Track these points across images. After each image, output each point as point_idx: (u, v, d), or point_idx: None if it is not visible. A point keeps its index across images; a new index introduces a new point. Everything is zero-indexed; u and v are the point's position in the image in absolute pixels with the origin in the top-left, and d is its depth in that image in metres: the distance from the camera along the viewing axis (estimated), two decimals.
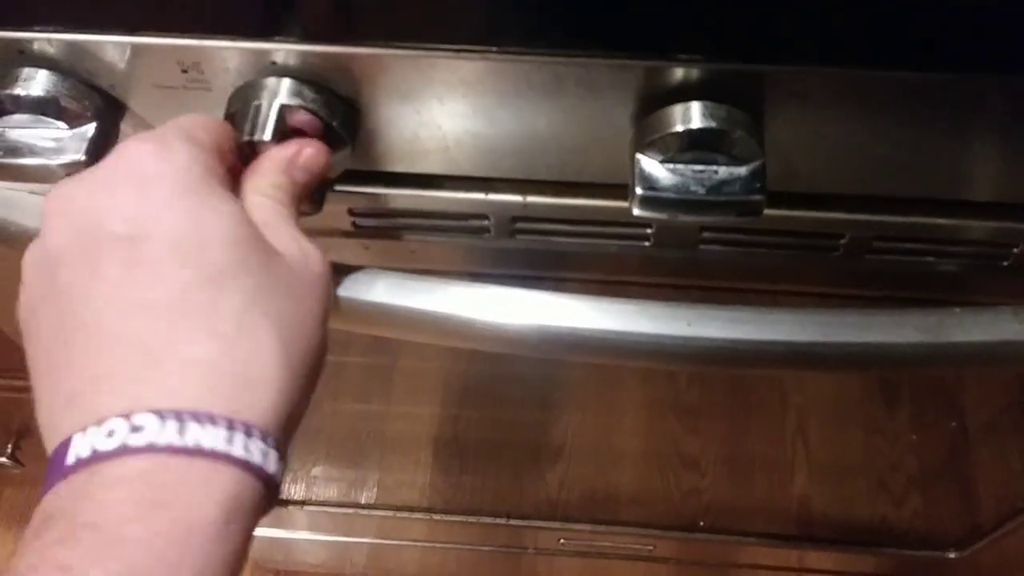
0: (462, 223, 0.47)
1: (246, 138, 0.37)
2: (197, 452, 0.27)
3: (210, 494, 0.27)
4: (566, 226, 0.47)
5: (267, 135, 0.37)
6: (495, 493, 1.01)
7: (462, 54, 0.37)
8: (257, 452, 0.28)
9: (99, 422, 0.27)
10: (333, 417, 0.91)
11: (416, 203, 0.46)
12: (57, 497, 0.27)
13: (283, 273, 0.32)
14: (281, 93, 0.38)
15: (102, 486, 0.27)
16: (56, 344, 0.30)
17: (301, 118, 0.38)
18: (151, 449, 0.27)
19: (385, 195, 0.46)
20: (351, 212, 0.48)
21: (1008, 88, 0.36)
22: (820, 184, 0.43)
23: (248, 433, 0.28)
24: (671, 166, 0.38)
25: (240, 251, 0.31)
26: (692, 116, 0.38)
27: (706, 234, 0.46)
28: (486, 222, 0.47)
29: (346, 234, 0.49)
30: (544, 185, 0.45)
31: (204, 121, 0.35)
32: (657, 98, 0.38)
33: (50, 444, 0.28)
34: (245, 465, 0.28)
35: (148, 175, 0.31)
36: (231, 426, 0.28)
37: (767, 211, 0.45)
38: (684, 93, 0.38)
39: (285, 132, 0.38)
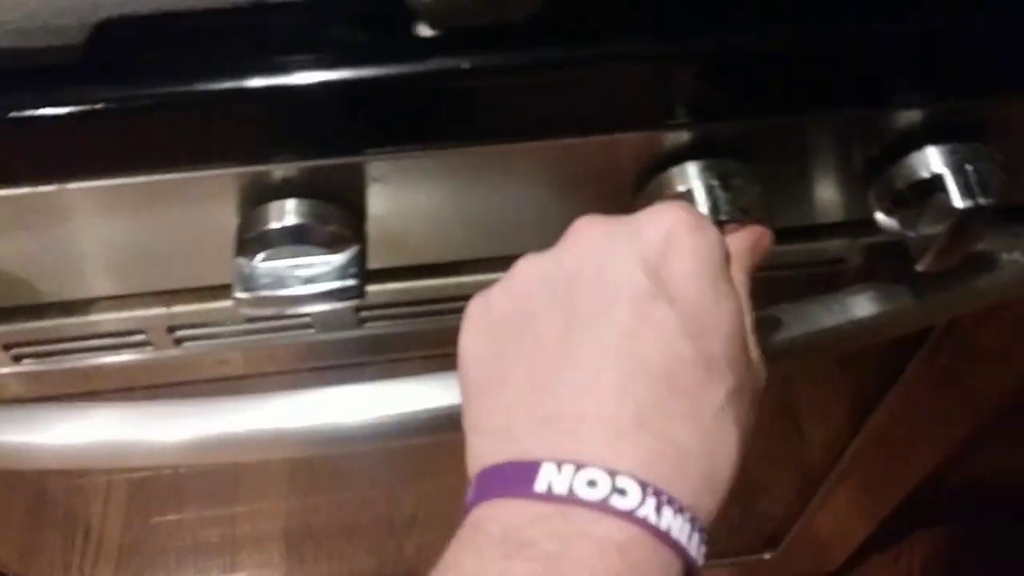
0: (122, 340, 0.47)
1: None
2: (666, 538, 0.26)
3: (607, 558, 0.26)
4: (224, 327, 0.47)
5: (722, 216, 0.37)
6: (356, 573, 1.00)
7: None
8: (701, 556, 0.27)
9: (579, 465, 0.27)
10: (179, 528, 0.88)
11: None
12: (520, 518, 0.27)
13: (752, 381, 0.31)
14: (679, 182, 0.39)
15: (577, 535, 0.26)
16: (538, 360, 0.30)
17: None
18: (630, 519, 0.26)
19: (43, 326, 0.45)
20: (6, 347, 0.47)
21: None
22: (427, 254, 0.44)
23: (701, 531, 0.27)
24: (270, 264, 0.39)
25: (734, 348, 0.30)
26: (285, 213, 0.39)
27: (363, 313, 0.47)
28: (143, 336, 0.47)
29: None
30: (189, 293, 0.45)
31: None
32: (253, 200, 0.39)
33: (493, 446, 0.28)
34: (691, 565, 0.27)
35: (684, 247, 0.30)
36: (693, 522, 0.27)
37: (417, 283, 0.46)
38: (279, 192, 0.39)
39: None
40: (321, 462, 0.81)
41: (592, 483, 0.27)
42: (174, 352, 0.48)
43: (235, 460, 0.49)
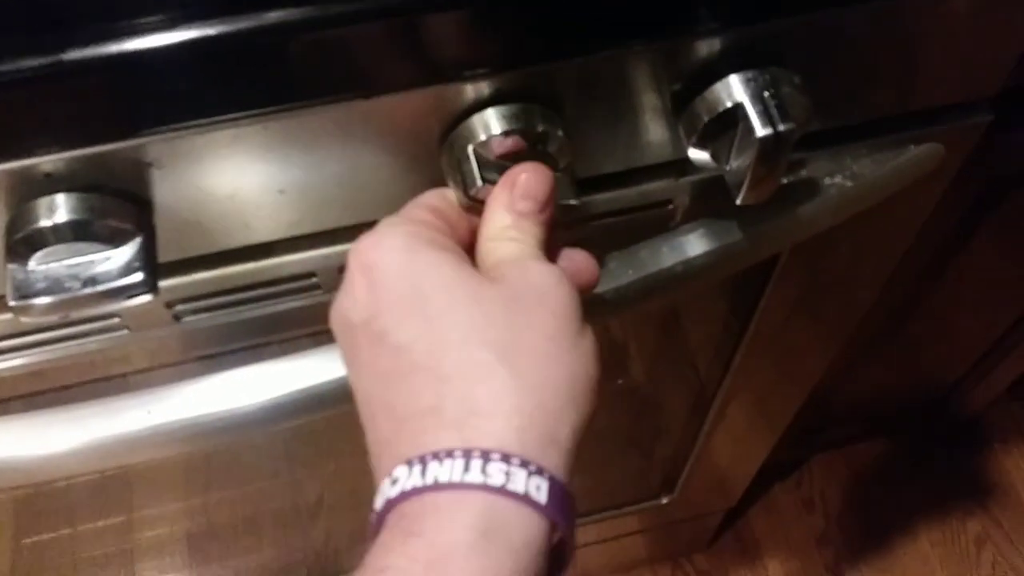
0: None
1: (466, 198, 0.37)
2: (438, 487, 0.28)
3: (457, 517, 0.28)
4: (25, 338, 0.44)
5: (478, 183, 0.36)
6: (264, 566, 0.98)
7: None
8: (498, 474, 0.28)
9: (378, 488, 0.30)
10: (73, 542, 0.85)
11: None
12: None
13: (499, 301, 0.32)
14: (482, 132, 0.37)
15: (434, 511, 0.29)
16: (364, 428, 0.33)
17: (502, 147, 0.37)
18: (402, 496, 0.29)
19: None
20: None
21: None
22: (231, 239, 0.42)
23: (486, 458, 0.29)
24: (44, 266, 0.36)
25: (452, 293, 0.32)
26: (55, 210, 0.36)
27: (178, 308, 0.44)
28: None
29: None
30: None
31: (425, 199, 0.37)
32: (19, 197, 0.36)
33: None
34: (486, 488, 0.28)
35: (370, 264, 0.33)
36: (467, 455, 0.29)
37: (227, 270, 0.44)
38: (48, 187, 0.36)
39: (500, 170, 0.36)
40: (217, 457, 0.79)
41: (394, 482, 0.29)
42: None
43: (121, 464, 0.46)
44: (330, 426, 0.77)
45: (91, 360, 0.47)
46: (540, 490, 0.29)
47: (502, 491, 0.28)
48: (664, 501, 0.97)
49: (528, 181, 0.36)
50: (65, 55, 0.31)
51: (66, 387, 0.49)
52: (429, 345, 0.31)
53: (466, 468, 0.28)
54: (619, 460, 0.92)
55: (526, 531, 0.28)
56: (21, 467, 0.43)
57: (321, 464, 0.84)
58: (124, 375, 0.51)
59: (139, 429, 0.41)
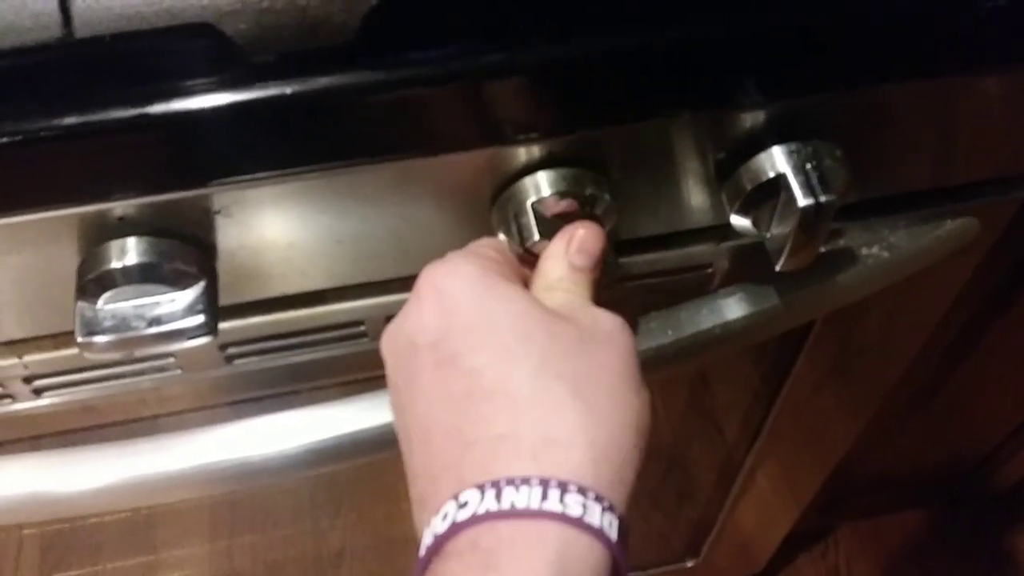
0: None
1: (522, 249, 0.38)
2: (515, 514, 0.28)
3: (535, 551, 0.27)
4: (83, 374, 0.45)
5: (535, 237, 0.38)
6: None
7: None
8: (576, 505, 0.28)
9: (436, 511, 0.29)
10: None
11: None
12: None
13: (571, 338, 0.32)
14: (532, 192, 0.38)
15: (439, 561, 0.28)
16: (408, 453, 0.33)
17: (558, 207, 0.38)
18: (474, 519, 0.28)
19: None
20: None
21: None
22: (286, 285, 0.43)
23: (564, 489, 0.28)
24: (113, 306, 0.38)
25: (526, 326, 0.32)
26: (125, 253, 0.38)
27: (231, 350, 0.46)
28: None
29: None
30: (41, 341, 0.43)
31: (488, 241, 0.38)
32: (93, 240, 0.38)
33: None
34: (564, 519, 0.28)
35: (443, 288, 0.34)
36: (545, 484, 0.28)
37: (281, 315, 0.45)
38: (119, 230, 0.38)
39: (555, 226, 0.38)
40: (242, 502, 0.79)
41: (445, 516, 0.29)
42: (37, 403, 0.46)
43: (149, 503, 0.48)
44: (354, 476, 0.78)
45: (143, 398, 0.48)
46: (612, 527, 0.28)
47: (579, 523, 0.28)
48: (689, 565, 0.96)
49: (585, 237, 0.37)
50: (150, 108, 0.33)
51: (99, 426, 0.51)
52: (503, 372, 0.31)
53: (544, 496, 0.28)
54: (645, 521, 0.92)
55: (597, 568, 0.28)
56: (63, 500, 0.44)
57: (344, 513, 0.85)
58: (155, 417, 0.53)
59: (180, 469, 0.42)
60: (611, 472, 0.30)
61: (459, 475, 0.30)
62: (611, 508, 0.29)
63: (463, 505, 0.28)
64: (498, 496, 0.28)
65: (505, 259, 0.37)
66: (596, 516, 0.28)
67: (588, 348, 0.32)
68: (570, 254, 0.37)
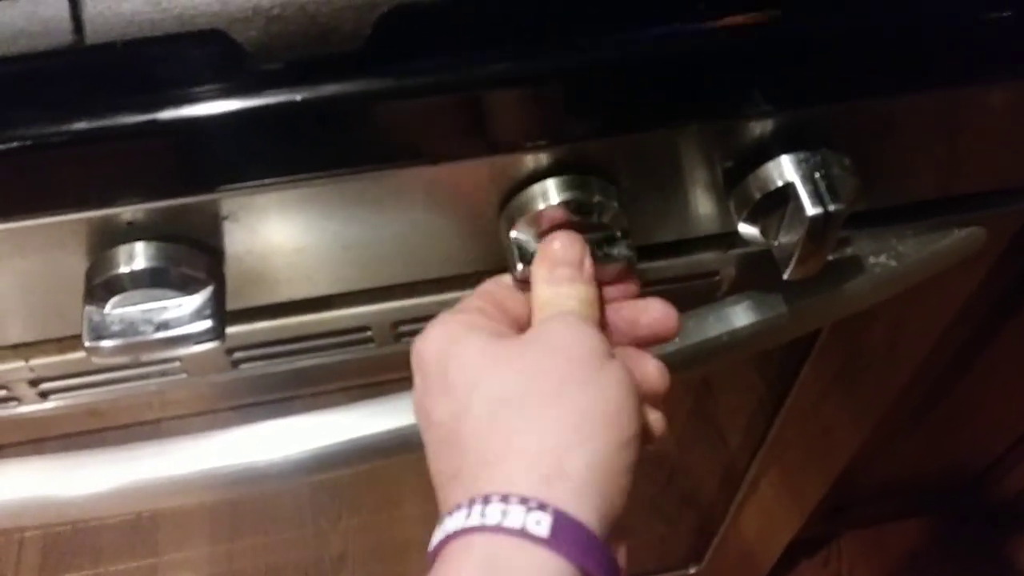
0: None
1: (514, 280, 0.39)
2: (447, 540, 0.31)
3: (463, 562, 0.30)
4: (90, 377, 0.45)
5: (519, 268, 0.39)
6: None
7: None
8: (495, 514, 0.30)
9: (450, 512, 0.31)
10: None
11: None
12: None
13: (513, 358, 0.34)
14: (540, 199, 0.39)
15: (444, 561, 0.30)
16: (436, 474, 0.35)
17: (545, 223, 0.39)
18: (429, 557, 0.31)
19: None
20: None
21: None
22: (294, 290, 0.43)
23: (485, 502, 0.30)
24: (120, 310, 0.38)
25: (476, 366, 0.34)
26: (134, 257, 0.38)
27: (237, 354, 0.46)
28: (5, 392, 0.45)
29: None
30: (48, 344, 0.43)
31: (483, 287, 0.40)
32: (101, 244, 0.38)
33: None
34: (483, 528, 0.30)
35: (417, 355, 0.36)
36: (471, 504, 0.31)
37: (288, 320, 0.45)
38: (128, 235, 0.38)
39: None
40: (244, 505, 0.79)
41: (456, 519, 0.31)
42: (42, 406, 0.46)
43: (153, 508, 0.48)
44: (356, 480, 0.78)
45: (148, 402, 0.48)
46: (540, 524, 0.30)
47: (499, 529, 0.29)
48: (692, 571, 0.96)
49: (560, 250, 0.38)
50: (160, 114, 0.33)
51: (104, 430, 0.51)
52: (454, 418, 0.34)
53: (468, 515, 0.30)
54: (648, 527, 0.92)
55: (531, 567, 0.29)
56: (65, 504, 0.44)
57: (346, 518, 0.85)
58: (158, 421, 0.53)
59: (184, 473, 0.42)
60: (546, 472, 0.31)
61: (477, 487, 0.32)
62: (540, 507, 0.30)
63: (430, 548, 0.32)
64: (441, 529, 0.31)
65: (492, 302, 0.38)
66: (517, 518, 0.30)
67: (529, 362, 0.34)
68: (551, 275, 0.38)
